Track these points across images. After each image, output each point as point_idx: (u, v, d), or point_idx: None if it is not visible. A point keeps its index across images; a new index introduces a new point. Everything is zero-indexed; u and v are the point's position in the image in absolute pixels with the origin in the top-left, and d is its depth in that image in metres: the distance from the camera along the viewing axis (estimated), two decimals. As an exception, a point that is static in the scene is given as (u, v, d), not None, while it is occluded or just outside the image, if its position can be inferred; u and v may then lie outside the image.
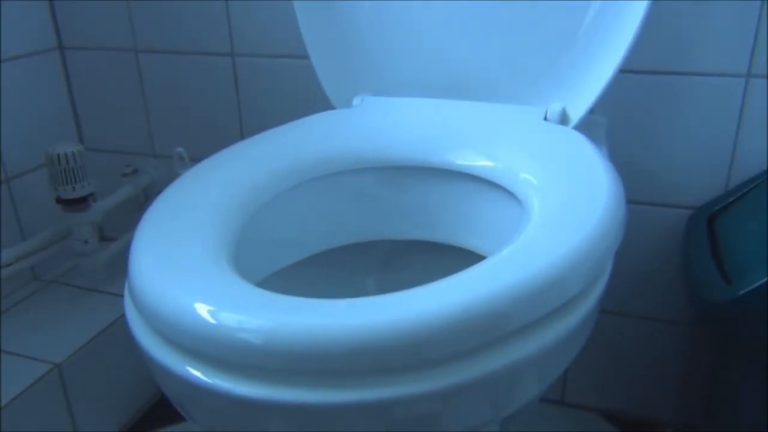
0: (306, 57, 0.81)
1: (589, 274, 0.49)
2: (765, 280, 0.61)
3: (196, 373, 0.44)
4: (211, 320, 0.43)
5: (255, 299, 0.46)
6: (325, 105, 0.80)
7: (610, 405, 0.99)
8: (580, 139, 0.65)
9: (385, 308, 0.43)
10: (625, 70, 0.69)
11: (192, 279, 0.48)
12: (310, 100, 0.84)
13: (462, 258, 0.63)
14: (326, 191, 0.69)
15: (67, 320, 0.97)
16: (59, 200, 0.96)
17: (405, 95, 0.77)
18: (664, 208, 0.87)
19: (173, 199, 0.59)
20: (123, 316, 0.91)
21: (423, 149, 0.68)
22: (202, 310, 0.44)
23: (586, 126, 0.71)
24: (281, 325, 0.42)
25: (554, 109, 0.70)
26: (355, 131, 0.72)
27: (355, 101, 0.78)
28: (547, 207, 0.54)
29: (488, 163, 0.64)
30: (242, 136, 1.03)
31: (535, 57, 0.73)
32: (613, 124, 0.82)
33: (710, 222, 0.78)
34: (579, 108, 0.70)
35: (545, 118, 0.70)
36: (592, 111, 0.70)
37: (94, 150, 1.13)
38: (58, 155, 0.93)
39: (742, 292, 0.62)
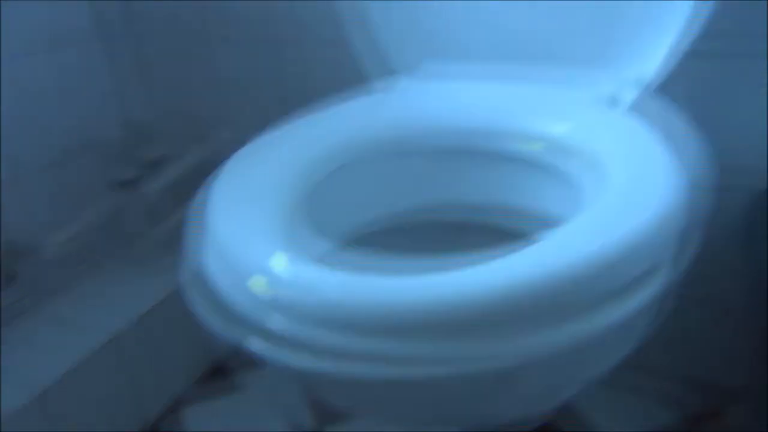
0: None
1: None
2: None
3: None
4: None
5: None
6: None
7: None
8: (641, 121, 0.64)
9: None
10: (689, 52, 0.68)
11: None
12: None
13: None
14: (400, 159, 0.70)
15: (121, 295, 0.98)
16: (112, 181, 0.98)
17: (468, 59, 0.78)
18: (726, 192, 0.85)
19: (247, 160, 0.60)
20: (174, 291, 0.92)
21: (487, 127, 0.69)
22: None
23: (647, 107, 0.70)
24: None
25: (613, 90, 0.69)
26: (424, 108, 0.72)
27: (422, 65, 0.78)
28: (618, 184, 0.54)
29: (556, 139, 0.65)
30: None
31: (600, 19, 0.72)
32: (677, 104, 0.80)
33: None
34: (641, 83, 0.70)
35: (604, 100, 0.69)
36: (654, 90, 0.70)
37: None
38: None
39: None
